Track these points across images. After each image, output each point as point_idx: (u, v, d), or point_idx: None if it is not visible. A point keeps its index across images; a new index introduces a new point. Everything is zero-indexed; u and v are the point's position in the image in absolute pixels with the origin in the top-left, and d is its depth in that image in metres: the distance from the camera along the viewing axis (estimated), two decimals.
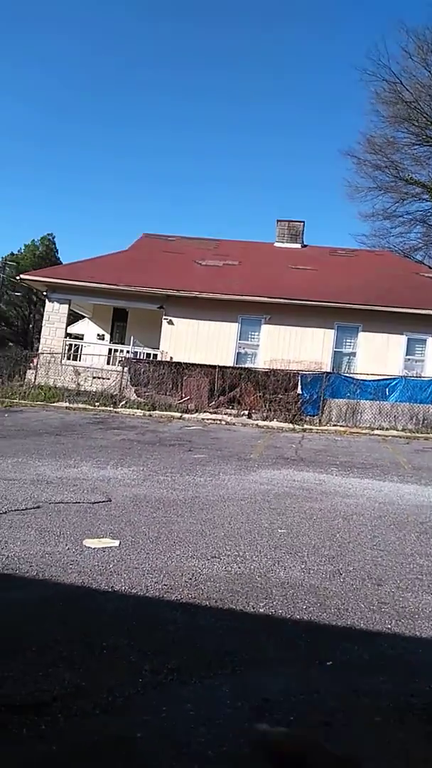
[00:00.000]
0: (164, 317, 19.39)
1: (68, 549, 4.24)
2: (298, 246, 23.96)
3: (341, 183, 69.47)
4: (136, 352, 19.38)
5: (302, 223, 24.39)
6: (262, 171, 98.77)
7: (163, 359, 18.65)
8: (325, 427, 15.26)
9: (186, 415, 15.61)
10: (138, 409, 16.11)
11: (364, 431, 14.93)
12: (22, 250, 56.73)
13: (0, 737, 2.05)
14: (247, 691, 2.50)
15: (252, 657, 2.84)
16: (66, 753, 2.00)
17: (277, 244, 24.14)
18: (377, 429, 15.19)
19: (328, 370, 17.54)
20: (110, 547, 4.38)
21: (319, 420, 15.89)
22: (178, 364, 17.63)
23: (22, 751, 2.00)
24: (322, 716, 2.36)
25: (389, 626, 3.33)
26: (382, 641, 3.15)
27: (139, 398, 17.13)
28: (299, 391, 16.34)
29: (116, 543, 4.47)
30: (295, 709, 2.39)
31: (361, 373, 17.02)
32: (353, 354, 18.49)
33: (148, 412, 15.72)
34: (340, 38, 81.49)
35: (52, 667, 2.54)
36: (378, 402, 15.98)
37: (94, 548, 4.31)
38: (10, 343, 50.61)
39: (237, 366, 18.05)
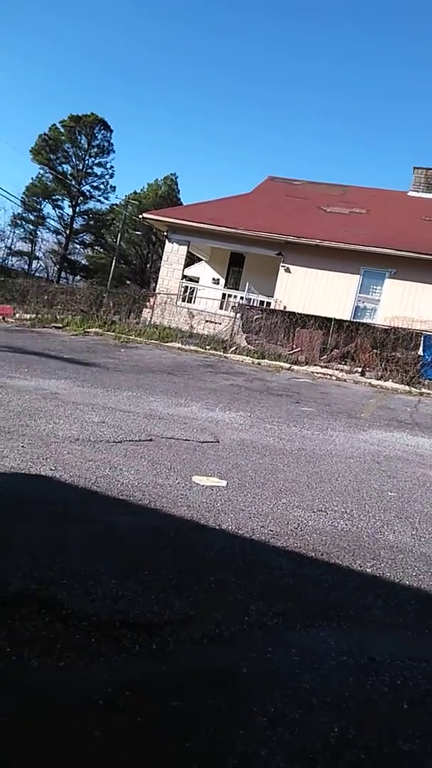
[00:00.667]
0: (281, 264, 18.98)
1: (178, 483, 4.37)
2: None
3: None
4: (250, 299, 19.26)
5: None
6: (400, 113, 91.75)
7: (277, 308, 18.39)
8: None
9: (295, 367, 15.41)
10: (247, 356, 16.12)
11: None
12: (145, 189, 57.68)
13: (116, 650, 2.16)
14: (353, 648, 2.45)
15: (358, 614, 2.78)
16: (175, 675, 2.08)
17: (411, 193, 22.53)
18: None
19: None
20: (218, 486, 4.45)
21: None
22: (292, 313, 17.30)
23: (135, 666, 2.10)
24: (431, 685, 2.26)
25: None
26: None
27: (249, 345, 17.12)
28: (420, 352, 15.47)
29: (224, 483, 4.54)
30: (403, 674, 2.31)
31: None
32: None
33: (257, 360, 15.69)
34: None
35: (163, 593, 2.64)
36: None
37: (203, 485, 4.40)
38: (128, 282, 52.49)
39: (354, 320, 17.38)
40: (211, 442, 5.92)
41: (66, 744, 1.71)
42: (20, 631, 2.20)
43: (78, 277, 59.44)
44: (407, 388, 14.33)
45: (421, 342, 15.54)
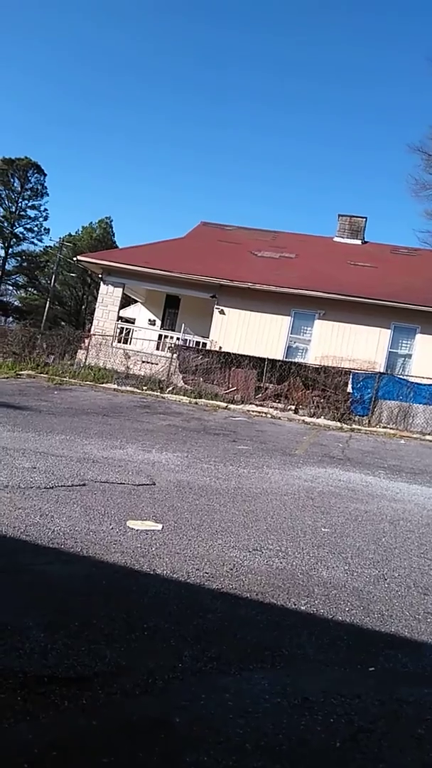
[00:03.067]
0: (216, 306, 19.38)
1: (112, 528, 4.29)
2: (359, 242, 23.49)
3: (407, 179, 67.26)
4: (186, 340, 19.47)
5: (364, 219, 23.89)
6: (324, 166, 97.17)
7: (213, 348, 18.66)
8: (375, 429, 14.95)
9: (232, 406, 15.59)
10: (184, 396, 16.19)
11: (415, 435, 14.55)
12: (80, 232, 57.82)
13: (43, 707, 2.07)
14: (287, 688, 2.46)
15: (292, 654, 2.79)
16: (105, 729, 2.01)
17: (336, 239, 23.73)
18: (429, 434, 14.79)
19: (382, 370, 17.15)
20: (153, 530, 4.40)
21: (369, 421, 15.58)
22: (227, 354, 17.61)
23: (63, 723, 2.02)
24: (363, 722, 2.29)
25: None
26: (427, 652, 3.04)
27: (186, 385, 17.22)
28: (350, 389, 16.05)
29: (159, 526, 4.49)
30: (336, 712, 2.33)
31: (416, 376, 16.57)
32: (409, 356, 18.01)
33: (194, 400, 15.78)
34: (411, 30, 78.96)
35: (94, 644, 2.57)
36: None
37: (138, 530, 4.34)
38: (63, 323, 51.83)
39: (287, 360, 17.87)
40: (147, 484, 5.87)
41: None
42: None
43: (10, 319, 58.12)
44: (339, 424, 14.77)
45: (350, 380, 16.14)
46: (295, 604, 3.40)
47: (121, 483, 5.74)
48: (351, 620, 3.29)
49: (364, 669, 2.75)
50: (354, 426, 14.85)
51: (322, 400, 15.93)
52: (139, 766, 1.85)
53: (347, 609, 3.44)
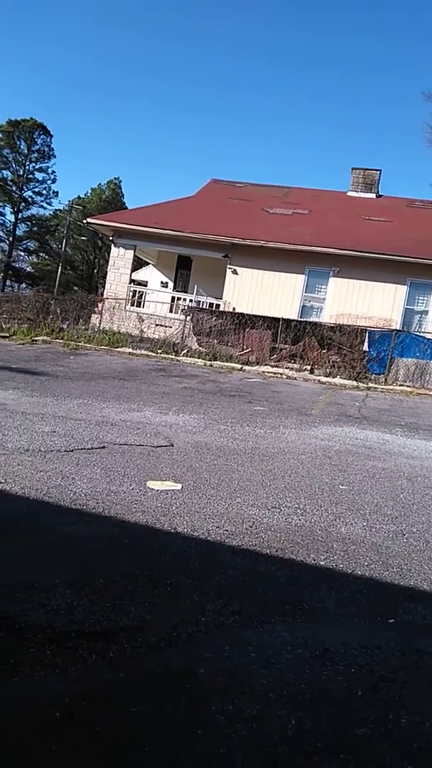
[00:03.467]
0: (229, 266, 19.12)
1: (132, 489, 4.34)
2: (373, 196, 22.86)
3: (423, 129, 64.83)
4: (199, 301, 19.32)
5: (378, 172, 23.18)
6: (339, 113, 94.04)
7: (226, 309, 18.52)
8: (391, 387, 14.86)
9: (247, 367, 15.55)
10: (199, 358, 16.17)
11: None
12: (89, 194, 56.98)
13: (72, 660, 2.14)
14: (308, 640, 2.51)
15: (313, 607, 2.84)
16: (132, 681, 2.07)
17: (350, 193, 23.11)
18: None
19: (398, 327, 16.93)
20: (173, 490, 4.45)
21: (385, 379, 15.48)
22: (241, 315, 17.46)
23: (91, 675, 2.08)
24: (384, 672, 2.34)
25: None
26: None
27: (200, 348, 17.18)
28: (366, 348, 15.90)
29: (179, 486, 4.55)
30: (357, 662, 2.38)
31: None
32: (425, 312, 17.71)
33: (209, 362, 15.76)
34: None
35: (118, 600, 2.63)
36: None
37: (158, 490, 4.40)
38: (75, 288, 51.69)
39: (301, 319, 17.69)
40: (165, 446, 5.92)
41: (21, 761, 1.68)
42: None
43: (23, 285, 58.01)
44: (355, 383, 14.70)
45: (366, 338, 15.97)
46: (314, 560, 3.44)
47: (139, 445, 5.79)
48: (370, 574, 3.33)
49: (384, 621, 2.80)
50: (370, 384, 14.77)
51: (338, 359, 15.82)
52: (166, 715, 1.91)
53: (366, 564, 3.47)
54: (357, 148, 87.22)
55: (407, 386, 14.99)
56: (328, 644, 2.49)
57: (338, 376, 15.26)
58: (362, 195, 22.85)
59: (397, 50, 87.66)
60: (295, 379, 14.77)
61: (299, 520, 4.12)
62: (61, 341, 16.49)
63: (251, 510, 4.20)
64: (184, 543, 3.44)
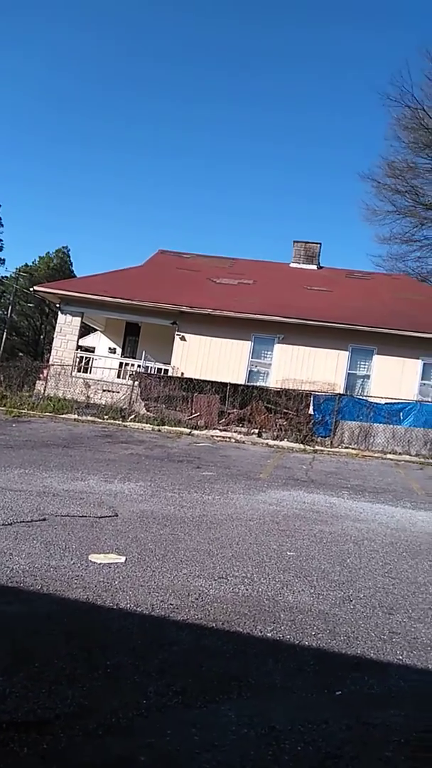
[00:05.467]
0: (177, 333, 19.43)
1: (73, 563, 4.19)
2: (314, 267, 24.04)
3: (359, 205, 69.61)
4: (147, 367, 19.41)
5: (318, 245, 24.50)
6: (280, 192, 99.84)
7: (174, 374, 18.65)
8: (337, 449, 15.13)
9: (195, 432, 15.55)
10: (147, 423, 16.08)
11: (376, 455, 14.78)
12: (37, 262, 57.40)
13: (1, 756, 1.99)
14: (254, 718, 2.43)
15: (259, 682, 2.76)
16: None
17: (293, 265, 24.23)
18: (390, 453, 15.03)
19: (341, 391, 17.43)
20: (116, 563, 4.32)
21: (331, 442, 15.76)
22: (189, 379, 17.61)
23: None
24: (331, 748, 2.28)
25: (400, 657, 3.23)
26: (394, 672, 3.06)
27: (148, 413, 17.11)
28: (311, 411, 16.24)
29: (122, 559, 4.42)
30: (303, 739, 2.31)
31: (374, 396, 16.89)
32: (367, 377, 18.38)
33: (157, 427, 15.68)
34: (365, 63, 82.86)
35: (55, 684, 2.49)
36: (391, 426, 15.81)
37: (100, 564, 4.25)
38: (21, 354, 51.02)
39: (248, 384, 18.00)
40: (109, 516, 5.77)
41: None
42: None
43: None
44: (302, 446, 14.89)
45: (311, 402, 16.35)
46: (261, 632, 3.37)
47: (82, 516, 5.63)
48: (317, 644, 3.29)
49: (331, 693, 2.75)
50: (317, 447, 15.00)
51: (284, 423, 16.06)
52: None
53: (313, 633, 3.43)
54: (299, 217, 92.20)
55: (352, 449, 15.31)
56: (275, 721, 2.42)
57: (285, 440, 15.45)
58: (304, 266, 24.00)
59: (338, 123, 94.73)
60: (243, 442, 14.85)
61: (246, 590, 4.06)
62: (3, 409, 16.10)
63: (197, 581, 4.11)
64: (126, 619, 3.31)
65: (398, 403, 16.27)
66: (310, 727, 2.40)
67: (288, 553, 5.11)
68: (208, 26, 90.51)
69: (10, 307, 49.66)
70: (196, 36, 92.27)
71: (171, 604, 3.62)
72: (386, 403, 16.21)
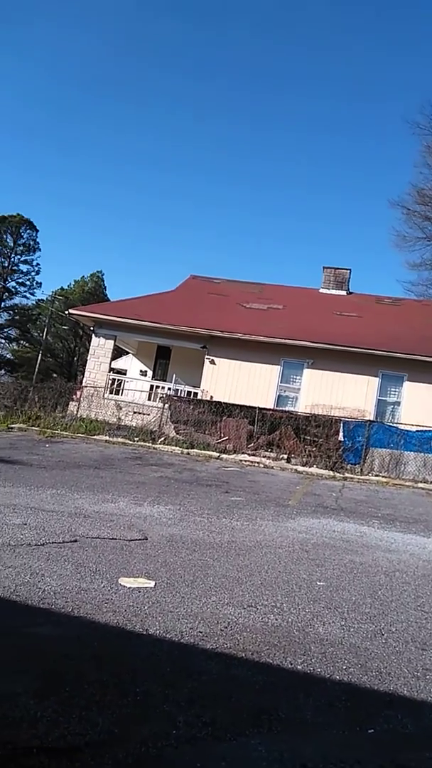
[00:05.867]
0: (207, 357, 19.57)
1: (103, 586, 4.21)
2: (344, 293, 24.02)
3: (389, 231, 69.43)
4: (177, 390, 19.55)
5: (348, 271, 24.51)
6: (310, 217, 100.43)
7: (204, 398, 18.73)
8: (367, 477, 14.89)
9: (224, 456, 15.53)
10: (176, 446, 16.12)
11: (407, 483, 14.50)
12: (72, 286, 58.73)
13: None
14: (284, 754, 2.39)
15: (289, 717, 2.72)
16: None
17: (322, 290, 24.27)
18: (421, 482, 14.73)
19: (371, 418, 17.23)
20: (146, 587, 4.33)
21: (361, 469, 15.54)
22: (219, 403, 17.66)
23: None
24: None
25: None
26: (428, 711, 2.97)
27: (177, 435, 17.17)
28: (341, 438, 16.07)
29: (152, 584, 4.42)
30: None
31: (405, 424, 16.63)
32: (398, 403, 18.14)
33: (185, 450, 15.71)
34: (395, 93, 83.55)
35: (85, 710, 2.49)
36: (423, 454, 15.52)
37: (130, 587, 4.26)
38: (55, 375, 51.93)
39: (277, 408, 17.94)
40: (139, 539, 5.79)
41: None
42: None
43: (2, 372, 58.17)
44: (331, 473, 14.71)
45: (341, 428, 16.19)
46: (291, 664, 3.32)
47: (112, 538, 5.66)
48: (349, 679, 3.22)
49: (363, 731, 2.68)
50: (347, 474, 14.80)
51: (313, 449, 15.91)
52: None
53: (345, 667, 3.36)
54: (329, 242, 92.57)
55: (383, 476, 15.04)
56: (306, 758, 2.37)
57: (315, 466, 15.29)
58: (333, 292, 24.01)
59: (370, 149, 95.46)
60: (272, 468, 14.75)
61: (276, 619, 4.01)
62: (37, 429, 16.36)
63: (226, 609, 4.08)
64: (155, 646, 3.31)
65: (429, 431, 15.98)
66: (342, 766, 2.35)
67: (318, 583, 5.04)
68: (253, 48, 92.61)
69: (45, 329, 50.77)
70: (241, 59, 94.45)
71: (200, 631, 3.60)
72: (417, 431, 15.95)
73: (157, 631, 3.52)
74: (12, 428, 16.28)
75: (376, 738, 2.64)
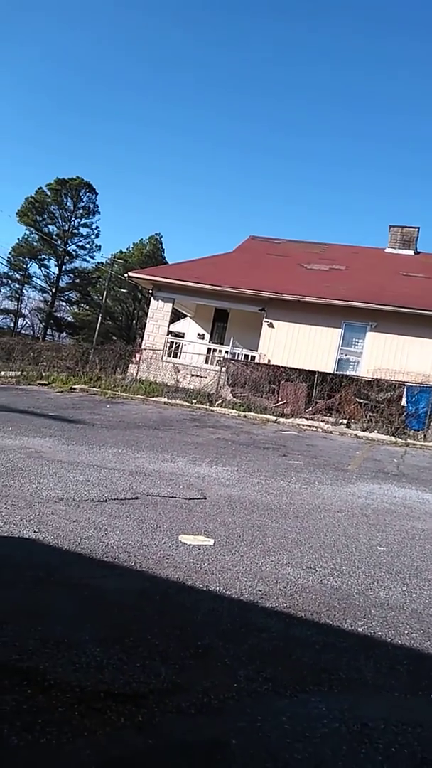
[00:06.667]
0: (265, 319, 19.34)
1: (164, 542, 4.30)
2: (411, 253, 23.02)
3: None
4: (235, 353, 19.50)
5: (416, 229, 23.42)
6: (377, 175, 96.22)
7: (261, 361, 18.61)
8: (430, 444, 14.50)
9: (281, 419, 15.46)
10: (233, 409, 16.18)
11: None
12: (131, 249, 59.11)
13: (100, 723, 2.08)
14: (345, 713, 2.38)
15: (349, 677, 2.71)
16: (163, 750, 2.00)
17: (388, 250, 23.35)
18: None
19: None
20: (205, 545, 4.39)
21: (424, 436, 15.13)
22: (276, 367, 17.51)
23: (120, 740, 2.02)
24: (427, 753, 2.19)
25: None
26: None
27: (234, 398, 17.21)
28: (404, 403, 15.64)
29: (211, 542, 4.48)
30: (397, 741, 2.24)
31: None
32: None
33: (242, 413, 15.74)
34: None
35: (149, 660, 2.56)
36: None
37: (190, 545, 4.33)
38: (114, 338, 52.95)
39: (338, 372, 17.61)
40: (198, 498, 5.87)
41: None
42: (0, 706, 2.12)
43: (64, 334, 59.90)
44: (393, 438, 14.40)
45: (404, 393, 15.73)
46: (351, 626, 3.30)
47: (172, 497, 5.76)
48: (411, 644, 3.17)
49: (425, 696, 2.64)
50: (409, 440, 14.45)
51: (374, 414, 15.59)
52: None
53: (406, 632, 3.32)
54: (396, 209, 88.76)
55: None
56: (367, 719, 2.36)
57: (375, 431, 15.00)
58: (400, 252, 23.04)
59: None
60: (330, 432, 14.58)
61: (335, 582, 3.99)
62: (98, 390, 16.79)
63: (285, 569, 4.09)
64: (215, 602, 3.36)
65: None
66: (405, 729, 2.32)
67: (378, 548, 4.97)
68: (334, 31, 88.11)
69: (105, 292, 51.59)
70: (318, 41, 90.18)
71: (259, 590, 3.63)
72: None
73: (217, 588, 3.57)
74: (74, 389, 16.78)
75: None
